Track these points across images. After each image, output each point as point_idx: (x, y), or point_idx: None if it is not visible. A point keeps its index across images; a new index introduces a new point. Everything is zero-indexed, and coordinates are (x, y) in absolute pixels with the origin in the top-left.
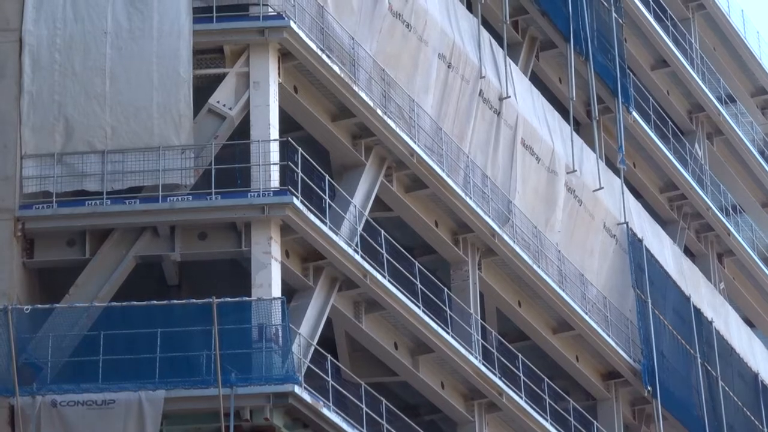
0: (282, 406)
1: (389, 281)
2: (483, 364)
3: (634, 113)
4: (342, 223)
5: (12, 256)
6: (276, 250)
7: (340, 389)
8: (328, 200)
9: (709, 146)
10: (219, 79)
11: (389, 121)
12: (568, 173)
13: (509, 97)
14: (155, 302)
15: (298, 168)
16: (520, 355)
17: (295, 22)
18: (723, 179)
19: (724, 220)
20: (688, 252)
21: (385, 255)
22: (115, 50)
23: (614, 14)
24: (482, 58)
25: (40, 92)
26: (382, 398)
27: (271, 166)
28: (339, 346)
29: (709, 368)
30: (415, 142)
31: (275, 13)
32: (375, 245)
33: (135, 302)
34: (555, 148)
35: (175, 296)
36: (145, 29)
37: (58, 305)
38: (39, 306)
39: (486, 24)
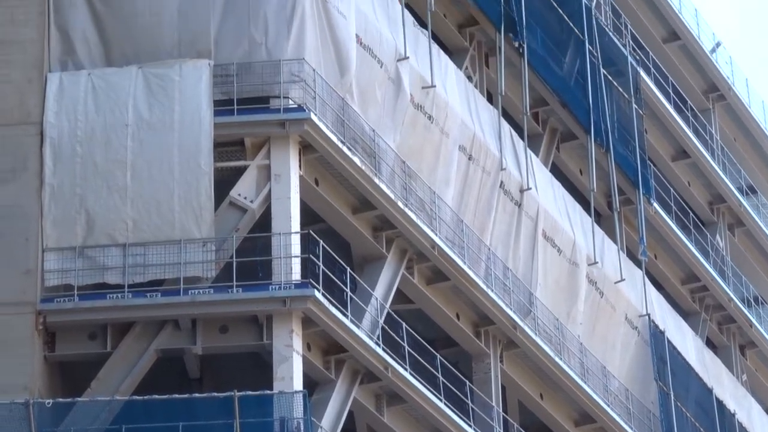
0: None
1: (411, 374)
2: None
3: (655, 204)
4: (363, 316)
5: (33, 349)
6: (297, 343)
7: None
8: (349, 293)
9: (730, 237)
10: (240, 171)
11: (410, 214)
12: (589, 265)
13: (530, 188)
14: (177, 396)
15: (319, 260)
16: None
17: (315, 115)
18: (744, 270)
19: (746, 312)
20: (710, 344)
21: (406, 348)
22: (136, 142)
23: (634, 105)
24: (503, 150)
25: (62, 185)
26: None
27: (292, 258)
28: None
29: None
30: (436, 235)
31: (296, 106)
32: (396, 338)
33: (156, 396)
34: (576, 240)
35: (197, 389)
36: (166, 121)
37: (79, 399)
38: (60, 400)
39: (506, 115)
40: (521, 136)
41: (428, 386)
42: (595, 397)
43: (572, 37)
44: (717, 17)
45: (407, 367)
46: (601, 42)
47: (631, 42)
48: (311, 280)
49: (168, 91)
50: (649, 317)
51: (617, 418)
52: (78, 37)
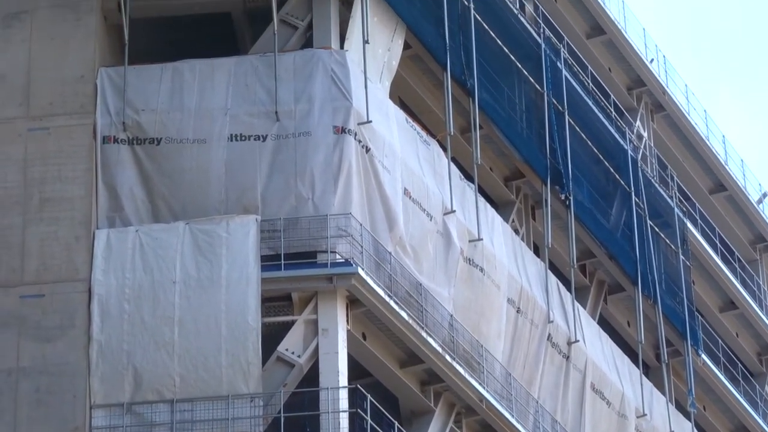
0: None
1: None
2: None
3: (704, 356)
4: None
5: None
6: None
7: None
8: None
9: None
10: (287, 326)
11: (458, 367)
12: (638, 417)
13: (578, 341)
14: None
15: (367, 415)
16: None
17: (363, 269)
18: None
19: None
20: None
21: None
22: (184, 299)
23: (681, 257)
24: (550, 303)
25: (109, 342)
26: None
27: (340, 413)
28: None
29: None
30: (484, 388)
31: (343, 260)
32: None
33: None
34: (625, 392)
35: None
36: (213, 278)
37: None
38: None
39: (553, 268)
40: (569, 289)
41: None
42: None
43: (618, 189)
44: (763, 167)
45: None
46: (647, 194)
47: (677, 193)
48: None
49: (215, 248)
50: None
51: None
52: (125, 193)
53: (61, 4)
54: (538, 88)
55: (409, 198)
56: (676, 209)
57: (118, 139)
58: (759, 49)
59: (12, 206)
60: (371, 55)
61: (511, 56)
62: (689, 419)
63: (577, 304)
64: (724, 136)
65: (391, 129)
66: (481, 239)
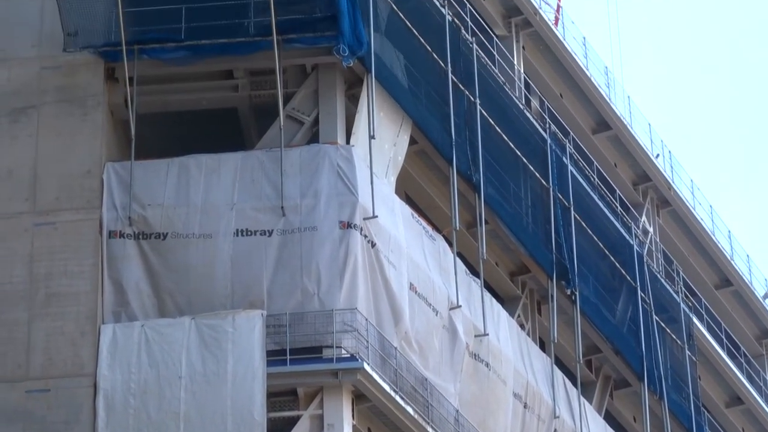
0: None
1: None
2: None
3: None
4: None
5: None
6: None
7: None
8: None
9: None
10: (293, 421)
11: None
12: None
13: None
14: None
15: None
16: None
17: (368, 364)
18: None
19: None
20: None
21: None
22: (190, 394)
23: (688, 352)
24: (556, 398)
25: None
26: None
27: None
28: None
29: None
30: None
31: (349, 355)
32: None
33: None
34: None
35: None
36: (219, 373)
37: None
38: None
39: (559, 363)
40: (575, 384)
41: None
42: None
43: (624, 284)
44: None
45: None
46: (653, 289)
47: (683, 288)
48: None
49: (221, 343)
50: None
51: None
52: (131, 288)
53: (67, 99)
54: (544, 183)
55: (415, 293)
56: (682, 304)
57: (124, 234)
58: (764, 146)
59: (18, 301)
60: (378, 150)
61: (517, 151)
62: None
63: (583, 399)
64: (729, 231)
65: (396, 224)
66: (487, 334)
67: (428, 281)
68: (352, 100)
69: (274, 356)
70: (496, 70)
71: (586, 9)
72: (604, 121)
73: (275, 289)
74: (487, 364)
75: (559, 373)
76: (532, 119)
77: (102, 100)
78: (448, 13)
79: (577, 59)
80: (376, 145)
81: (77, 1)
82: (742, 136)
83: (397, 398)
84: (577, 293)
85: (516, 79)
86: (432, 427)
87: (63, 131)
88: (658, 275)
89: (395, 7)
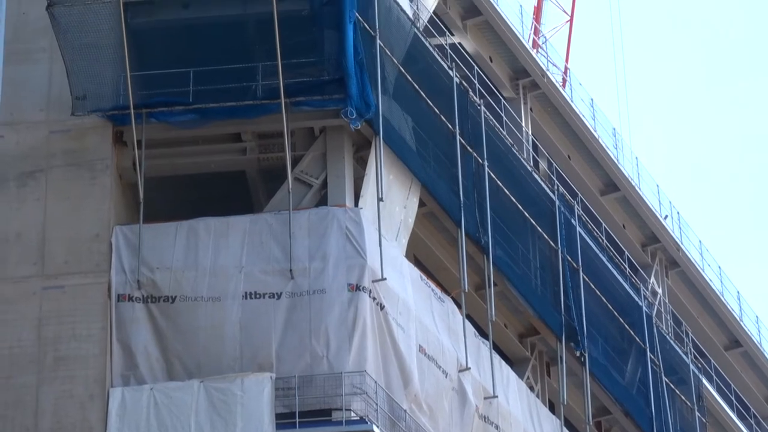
0: None
1: None
2: None
3: None
4: None
5: None
6: None
7: None
8: None
9: None
10: None
11: None
12: None
13: None
14: None
15: None
16: None
17: (377, 426)
18: None
19: None
20: None
21: None
22: None
23: (697, 413)
24: None
25: None
26: None
27: None
28: None
29: None
30: None
31: (358, 418)
32: None
33: None
34: None
35: None
36: None
37: None
38: None
39: (569, 424)
40: None
41: None
42: None
43: (633, 346)
44: None
45: None
46: (662, 350)
47: (692, 350)
48: None
49: (230, 406)
50: None
51: None
52: (140, 351)
53: (75, 163)
54: (553, 244)
55: (424, 355)
56: (691, 365)
57: (133, 297)
58: None
59: (26, 365)
60: (387, 212)
61: (526, 213)
62: None
63: None
64: (738, 292)
65: (405, 286)
66: (497, 396)
67: (437, 343)
68: (361, 163)
69: (284, 419)
70: (504, 132)
71: (594, 70)
72: (613, 183)
73: (284, 351)
74: (497, 427)
75: None
76: (540, 181)
77: (110, 164)
78: (456, 76)
79: (585, 121)
80: (387, 208)
81: (85, 64)
82: (751, 196)
83: None
84: (587, 355)
85: (524, 140)
86: None
87: (71, 195)
88: (667, 336)
89: (403, 70)
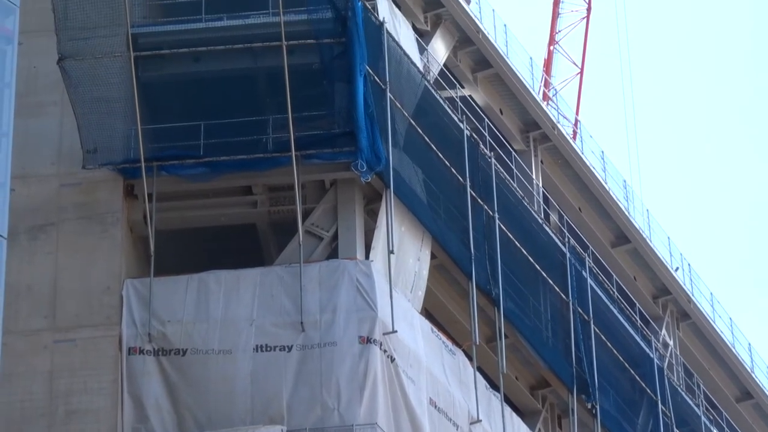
0: None
1: None
2: None
3: None
4: None
5: None
6: None
7: None
8: None
9: None
10: None
11: None
12: None
13: None
14: None
15: None
16: None
17: None
18: None
19: None
20: None
21: None
22: None
23: None
24: None
25: None
26: None
27: None
28: None
29: None
30: None
31: None
32: None
33: None
34: None
35: None
36: None
37: None
38: None
39: None
40: None
41: None
42: None
43: (645, 397)
44: None
45: None
46: (673, 402)
47: (704, 401)
48: None
49: None
50: None
51: None
52: (151, 404)
53: (86, 216)
54: (564, 297)
55: (435, 408)
56: (702, 417)
57: (144, 350)
58: None
59: (37, 419)
60: (401, 264)
61: (537, 265)
62: None
63: None
64: (750, 344)
65: (416, 338)
66: None
67: (448, 396)
68: (371, 215)
69: None
70: (515, 185)
71: (604, 121)
72: (624, 235)
73: (295, 404)
74: None
75: None
76: (551, 233)
77: (121, 217)
78: (467, 128)
79: (595, 173)
80: (400, 260)
81: (96, 118)
82: (762, 247)
83: None
84: (598, 407)
85: (534, 193)
86: None
87: (82, 248)
88: (679, 388)
89: (413, 122)
